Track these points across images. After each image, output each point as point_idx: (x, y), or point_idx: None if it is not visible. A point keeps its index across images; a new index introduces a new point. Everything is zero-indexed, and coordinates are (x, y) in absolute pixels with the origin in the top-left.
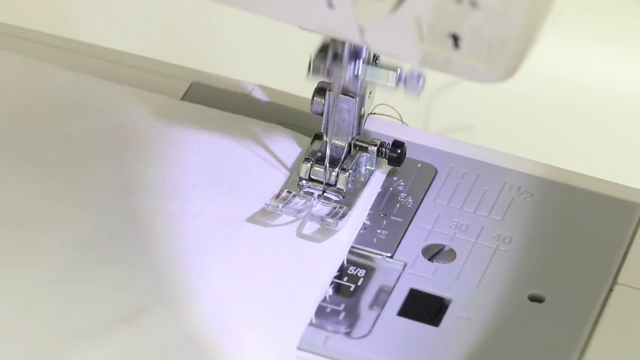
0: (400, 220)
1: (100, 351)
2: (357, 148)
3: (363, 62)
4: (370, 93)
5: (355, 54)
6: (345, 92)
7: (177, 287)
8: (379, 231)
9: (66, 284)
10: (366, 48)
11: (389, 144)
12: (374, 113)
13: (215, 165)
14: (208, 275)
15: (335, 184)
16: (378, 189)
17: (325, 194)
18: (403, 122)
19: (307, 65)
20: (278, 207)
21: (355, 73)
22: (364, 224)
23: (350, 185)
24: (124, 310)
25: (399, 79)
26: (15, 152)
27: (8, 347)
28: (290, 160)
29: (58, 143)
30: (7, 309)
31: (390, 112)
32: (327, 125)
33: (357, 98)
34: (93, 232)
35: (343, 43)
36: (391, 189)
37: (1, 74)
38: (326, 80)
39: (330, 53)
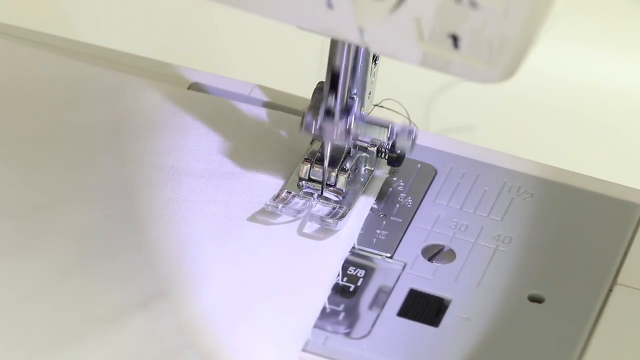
0: (400, 220)
1: (117, 336)
2: (357, 148)
3: (355, 117)
4: (370, 93)
5: (347, 110)
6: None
7: (191, 273)
8: (378, 231)
9: (80, 271)
10: (357, 104)
11: (389, 144)
12: (381, 106)
13: (222, 152)
14: (221, 261)
15: (334, 184)
16: (378, 189)
17: (325, 194)
18: (410, 122)
19: (300, 121)
20: (278, 207)
21: (347, 127)
22: (371, 208)
23: (350, 186)
24: (139, 295)
25: (390, 134)
26: (24, 142)
27: (25, 334)
28: (292, 150)
29: (66, 132)
30: (23, 297)
31: (395, 107)
32: None
33: (357, 98)
34: (105, 220)
35: (335, 99)
36: (391, 189)
37: (7, 64)
38: (317, 136)
39: (322, 109)
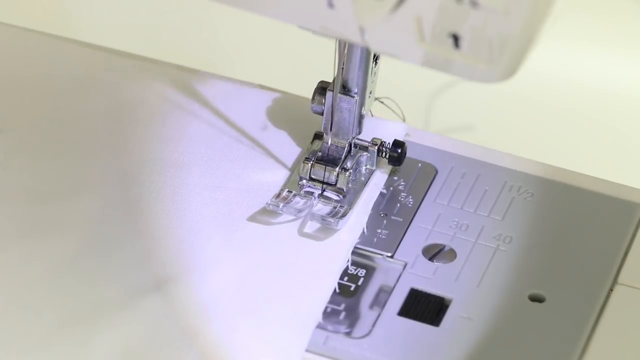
0: (401, 220)
1: (128, 319)
2: (358, 147)
3: None
4: (370, 93)
5: None
6: (346, 92)
7: (201, 258)
8: (379, 231)
9: (92, 255)
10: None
11: (389, 143)
12: (382, 102)
13: (231, 136)
14: (231, 246)
15: (335, 184)
16: (379, 189)
17: (325, 194)
18: (404, 121)
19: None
20: (279, 206)
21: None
22: (381, 193)
23: (350, 185)
24: (150, 280)
25: None
26: (33, 129)
27: (37, 317)
28: (300, 136)
29: (75, 119)
30: (35, 280)
31: (393, 107)
32: (327, 124)
33: (357, 97)
34: (115, 206)
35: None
36: (391, 188)
37: (17, 50)
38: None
39: None
